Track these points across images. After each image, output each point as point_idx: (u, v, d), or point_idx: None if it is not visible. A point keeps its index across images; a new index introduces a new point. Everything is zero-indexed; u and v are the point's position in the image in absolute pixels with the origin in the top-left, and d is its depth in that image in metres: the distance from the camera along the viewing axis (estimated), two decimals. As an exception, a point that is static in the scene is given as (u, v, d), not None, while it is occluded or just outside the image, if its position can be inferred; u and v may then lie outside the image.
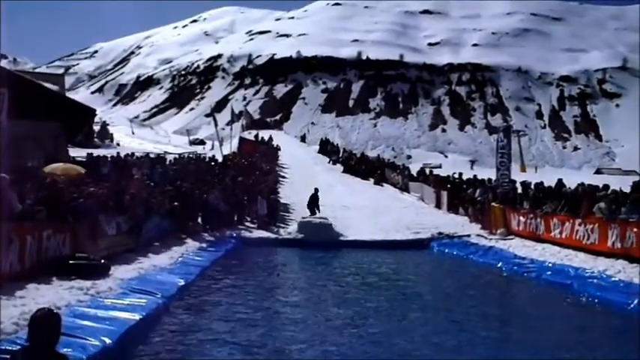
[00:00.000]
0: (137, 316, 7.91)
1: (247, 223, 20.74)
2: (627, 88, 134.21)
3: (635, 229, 12.43)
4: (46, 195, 11.65)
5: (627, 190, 15.33)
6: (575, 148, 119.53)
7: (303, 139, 67.79)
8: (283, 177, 31.98)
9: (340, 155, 44.19)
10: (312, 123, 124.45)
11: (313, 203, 21.05)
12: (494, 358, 7.50)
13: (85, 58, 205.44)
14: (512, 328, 9.29)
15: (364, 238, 19.03)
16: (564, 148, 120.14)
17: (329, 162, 41.29)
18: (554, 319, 9.53)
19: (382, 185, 32.81)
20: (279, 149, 41.70)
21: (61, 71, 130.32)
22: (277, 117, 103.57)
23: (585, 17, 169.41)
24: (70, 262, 10.22)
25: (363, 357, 7.41)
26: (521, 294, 12.04)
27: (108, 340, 6.65)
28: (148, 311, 8.32)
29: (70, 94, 72.80)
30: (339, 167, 38.55)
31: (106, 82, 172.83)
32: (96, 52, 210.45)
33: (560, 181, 18.67)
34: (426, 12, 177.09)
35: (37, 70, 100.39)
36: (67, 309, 7.70)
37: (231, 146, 40.24)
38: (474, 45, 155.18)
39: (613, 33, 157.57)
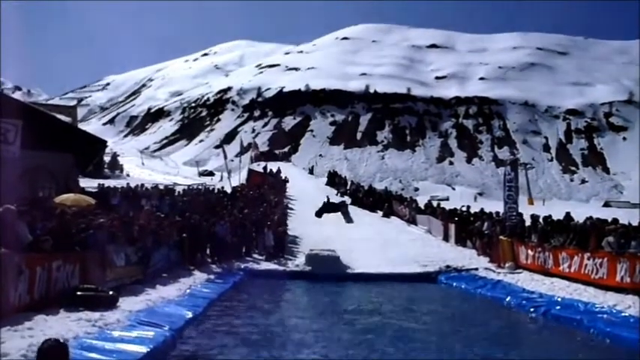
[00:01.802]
0: (145, 349, 7.90)
1: (255, 255, 20.74)
2: (633, 121, 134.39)
3: (644, 264, 12.35)
4: (54, 225, 11.76)
5: (636, 223, 15.27)
6: (583, 181, 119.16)
7: (311, 171, 68.02)
8: (291, 209, 32.02)
9: (348, 187, 44.26)
10: (320, 155, 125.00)
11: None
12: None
13: (98, 90, 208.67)
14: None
15: (372, 271, 18.95)
16: (572, 180, 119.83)
17: (337, 194, 41.33)
18: (564, 355, 9.44)
19: (389, 217, 32.77)
20: (288, 181, 41.83)
21: (73, 103, 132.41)
22: (286, 149, 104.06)
23: (591, 51, 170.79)
24: (78, 293, 10.25)
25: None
26: (529, 329, 11.91)
27: (115, 373, 6.65)
28: (155, 344, 8.31)
29: (82, 126, 73.72)
30: (347, 199, 38.56)
31: (118, 114, 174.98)
32: (108, 84, 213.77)
33: (568, 214, 18.63)
34: (432, 46, 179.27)
35: (50, 102, 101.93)
36: (75, 341, 7.70)
37: (239, 178, 40.44)
38: (481, 79, 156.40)
39: (619, 67, 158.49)
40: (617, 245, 13.84)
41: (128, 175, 59.18)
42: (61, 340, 3.82)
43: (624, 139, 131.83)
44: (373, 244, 23.38)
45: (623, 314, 11.30)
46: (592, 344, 10.11)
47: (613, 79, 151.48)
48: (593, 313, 11.67)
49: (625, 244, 13.77)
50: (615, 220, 15.76)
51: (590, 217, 17.22)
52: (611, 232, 14.48)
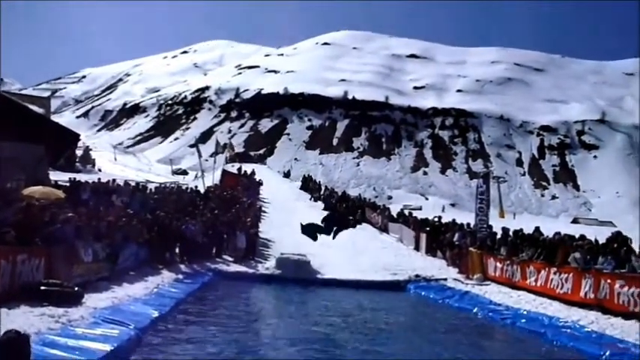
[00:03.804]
0: (108, 347, 7.78)
1: (225, 257, 20.60)
2: (605, 140, 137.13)
3: (608, 281, 12.59)
4: (19, 218, 11.54)
5: (603, 240, 15.55)
6: (553, 197, 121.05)
7: (287, 174, 67.84)
8: (264, 212, 31.90)
9: (322, 193, 44.28)
10: (296, 159, 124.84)
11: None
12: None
13: (73, 82, 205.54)
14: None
15: (341, 277, 18.96)
16: (542, 196, 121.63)
17: (310, 199, 41.33)
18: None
19: (362, 225, 32.80)
20: (262, 184, 41.68)
21: (47, 94, 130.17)
22: (261, 151, 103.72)
23: (566, 70, 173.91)
24: (42, 288, 10.06)
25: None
26: (494, 341, 12.03)
27: (76, 371, 6.53)
28: (119, 342, 8.19)
29: (55, 118, 72.55)
30: (320, 204, 38.56)
31: (92, 108, 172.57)
32: (84, 77, 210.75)
33: (537, 229, 18.88)
34: (412, 56, 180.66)
35: (23, 92, 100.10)
36: (37, 336, 7.55)
37: (213, 178, 40.15)
38: (458, 91, 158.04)
39: (593, 86, 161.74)
40: (584, 261, 14.08)
41: (100, 170, 58.37)
42: (22, 332, 3.71)
43: (595, 157, 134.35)
44: (344, 251, 23.36)
45: (585, 329, 11.50)
46: (554, 358, 10.25)
47: (587, 98, 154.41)
48: (557, 327, 11.86)
49: (591, 260, 14.01)
50: (583, 237, 16.03)
51: (559, 233, 17.49)
52: (578, 248, 14.73)
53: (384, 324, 12.93)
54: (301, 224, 13.86)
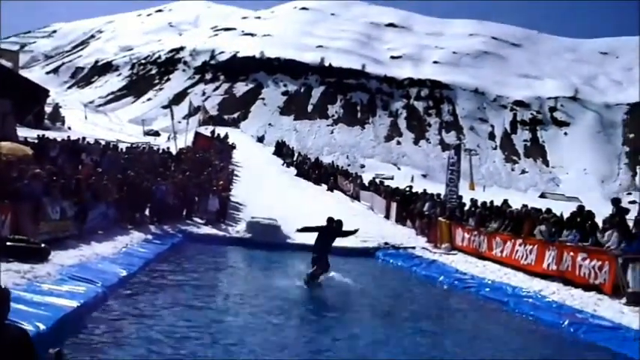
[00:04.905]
0: (75, 304, 7.76)
1: (196, 219, 20.54)
2: (576, 117, 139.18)
3: (571, 253, 12.94)
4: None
5: (568, 215, 15.90)
6: (523, 171, 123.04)
7: (260, 139, 67.48)
8: (236, 175, 31.81)
9: (295, 159, 44.28)
10: (270, 124, 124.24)
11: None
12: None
13: (43, 37, 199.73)
14: (440, 339, 9.47)
15: (311, 243, 19.05)
16: (513, 170, 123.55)
17: (283, 164, 41.32)
18: (484, 334, 9.85)
19: (333, 192, 33.01)
20: (235, 147, 41.47)
21: (16, 48, 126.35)
22: (235, 115, 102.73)
23: (542, 46, 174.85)
24: (8, 243, 9.94)
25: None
26: (456, 308, 12.27)
27: (42, 326, 6.51)
28: (86, 299, 8.18)
29: (24, 73, 70.58)
30: (293, 170, 38.61)
31: (63, 64, 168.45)
32: (55, 31, 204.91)
33: (505, 201, 19.19)
34: (391, 25, 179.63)
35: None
36: (2, 291, 7.47)
37: (186, 140, 39.76)
38: (435, 62, 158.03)
39: (567, 64, 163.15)
40: (549, 234, 14.41)
41: (69, 129, 57.15)
42: (3, 287, 3.66)
43: (565, 134, 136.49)
44: (315, 217, 23.37)
45: (547, 299, 11.85)
46: (515, 325, 10.55)
47: (561, 75, 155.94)
48: (519, 296, 12.19)
49: (556, 233, 14.34)
50: (549, 210, 16.35)
51: (526, 206, 17.81)
52: (544, 221, 15.04)
53: (350, 289, 13.11)
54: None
